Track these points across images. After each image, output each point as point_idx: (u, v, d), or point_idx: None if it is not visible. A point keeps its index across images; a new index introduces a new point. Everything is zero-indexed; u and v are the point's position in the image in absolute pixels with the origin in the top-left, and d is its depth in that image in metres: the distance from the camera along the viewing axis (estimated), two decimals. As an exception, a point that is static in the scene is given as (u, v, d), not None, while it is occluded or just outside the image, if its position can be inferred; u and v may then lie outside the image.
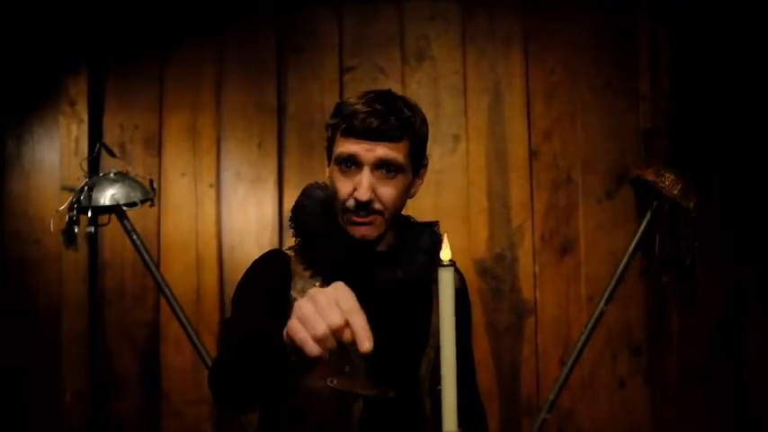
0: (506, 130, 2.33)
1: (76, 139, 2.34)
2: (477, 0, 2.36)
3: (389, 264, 1.18)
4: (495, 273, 2.29)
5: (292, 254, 1.24)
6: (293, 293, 1.17)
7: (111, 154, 2.10)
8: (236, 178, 2.37)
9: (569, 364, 2.01)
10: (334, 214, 1.21)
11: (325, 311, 0.76)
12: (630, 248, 2.01)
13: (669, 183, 1.94)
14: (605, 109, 2.31)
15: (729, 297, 2.24)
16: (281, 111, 2.37)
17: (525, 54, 2.34)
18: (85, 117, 2.34)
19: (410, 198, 1.25)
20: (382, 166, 1.15)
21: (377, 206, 1.15)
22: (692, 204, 1.93)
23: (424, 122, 1.22)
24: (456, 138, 2.33)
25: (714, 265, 2.23)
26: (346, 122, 1.14)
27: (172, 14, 2.41)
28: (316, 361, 0.80)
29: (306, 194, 1.23)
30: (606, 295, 2.01)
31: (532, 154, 2.32)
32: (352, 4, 2.38)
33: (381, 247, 1.22)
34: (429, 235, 1.23)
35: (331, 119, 1.20)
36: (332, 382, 1.13)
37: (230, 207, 2.36)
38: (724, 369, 2.23)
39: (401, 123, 1.15)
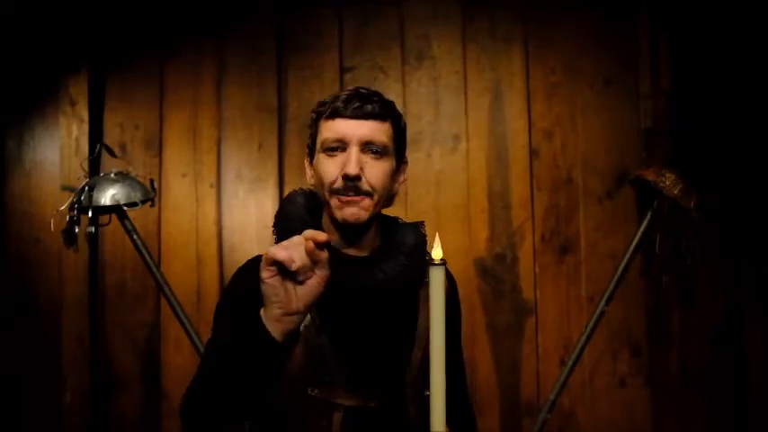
0: (507, 129, 2.33)
1: (77, 139, 2.34)
2: (477, 0, 2.36)
3: (370, 267, 1.17)
4: (496, 273, 2.29)
5: None
6: None
7: (112, 154, 2.11)
8: (237, 178, 2.37)
9: (570, 364, 2.01)
10: (317, 218, 1.22)
11: (290, 242, 0.95)
12: (631, 248, 2.01)
13: (670, 182, 1.93)
14: (605, 109, 2.31)
15: (730, 297, 2.24)
16: (281, 111, 2.37)
17: (525, 54, 2.34)
18: (86, 117, 2.34)
19: (394, 193, 1.24)
20: (368, 145, 1.15)
21: (365, 186, 1.14)
22: (692, 204, 1.93)
23: (402, 116, 1.24)
24: (456, 137, 2.33)
25: (714, 265, 2.23)
26: (331, 107, 1.17)
27: (172, 14, 2.41)
28: (294, 336, 0.97)
29: (288, 200, 1.25)
30: (606, 295, 2.00)
31: (533, 153, 2.32)
32: (352, 4, 2.38)
33: (365, 251, 1.21)
34: (412, 235, 1.22)
35: (314, 111, 1.22)
36: (312, 391, 1.13)
37: (231, 207, 2.36)
38: (724, 369, 2.23)
39: (384, 104, 1.18)
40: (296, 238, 0.95)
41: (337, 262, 1.16)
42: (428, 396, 1.03)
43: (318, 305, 1.14)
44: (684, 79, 2.26)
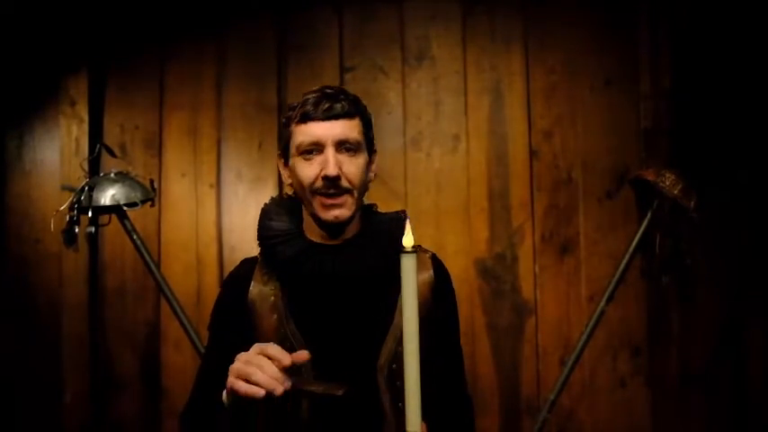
0: (507, 129, 2.33)
1: (77, 140, 2.34)
2: (477, 0, 2.36)
3: (344, 256, 1.19)
4: (496, 273, 2.29)
5: (259, 258, 1.27)
6: (249, 297, 1.22)
7: (112, 154, 2.10)
8: (237, 178, 2.37)
9: (570, 363, 2.01)
10: (297, 218, 1.25)
11: (251, 359, 0.97)
12: (631, 248, 2.01)
13: (670, 183, 1.93)
14: (606, 108, 2.31)
15: (730, 297, 2.24)
16: (281, 111, 2.37)
17: (525, 54, 2.34)
18: (86, 117, 2.34)
19: (369, 181, 1.27)
20: (343, 144, 1.18)
21: (344, 183, 1.18)
22: (692, 204, 1.93)
23: (366, 108, 1.27)
24: (456, 138, 2.33)
25: (715, 265, 2.22)
26: (301, 110, 1.19)
27: (172, 14, 2.41)
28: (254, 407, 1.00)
29: (273, 201, 1.30)
30: (606, 295, 2.00)
31: (533, 154, 2.32)
32: (352, 4, 2.38)
33: (341, 239, 1.23)
34: (392, 224, 1.24)
35: (284, 117, 1.24)
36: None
37: (231, 207, 2.36)
38: (724, 369, 2.23)
39: (351, 101, 1.21)
40: (258, 359, 0.97)
41: (309, 249, 1.19)
42: (400, 386, 1.04)
43: (289, 292, 1.19)
44: (684, 79, 2.26)
